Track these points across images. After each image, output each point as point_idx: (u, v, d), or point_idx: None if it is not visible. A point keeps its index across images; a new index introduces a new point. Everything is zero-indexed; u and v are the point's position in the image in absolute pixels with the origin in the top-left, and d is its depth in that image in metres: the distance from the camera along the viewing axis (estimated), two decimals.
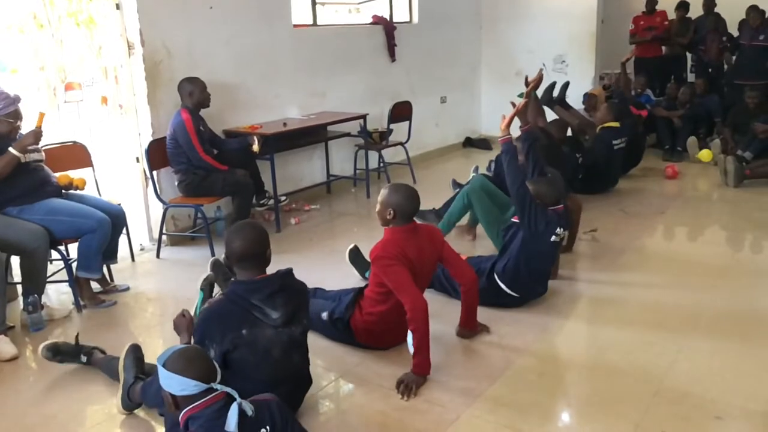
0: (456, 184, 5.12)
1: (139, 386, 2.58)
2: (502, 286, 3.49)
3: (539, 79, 4.54)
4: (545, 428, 2.59)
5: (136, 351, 2.75)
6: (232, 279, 3.20)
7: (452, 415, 2.61)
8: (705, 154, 6.60)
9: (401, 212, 2.95)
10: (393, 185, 3.06)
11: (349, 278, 3.77)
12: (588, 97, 6.86)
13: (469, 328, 3.26)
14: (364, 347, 3.13)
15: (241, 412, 1.80)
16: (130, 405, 2.66)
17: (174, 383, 1.82)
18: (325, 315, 3.14)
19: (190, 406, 1.82)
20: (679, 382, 2.79)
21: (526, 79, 4.62)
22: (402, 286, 2.82)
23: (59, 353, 2.99)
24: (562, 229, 3.46)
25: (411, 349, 2.80)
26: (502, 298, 3.51)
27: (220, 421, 1.79)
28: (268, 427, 1.85)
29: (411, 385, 2.78)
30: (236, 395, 1.83)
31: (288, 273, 2.52)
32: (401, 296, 2.82)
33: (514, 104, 3.64)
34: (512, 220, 3.53)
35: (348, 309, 3.10)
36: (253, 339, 2.36)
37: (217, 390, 1.85)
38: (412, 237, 2.97)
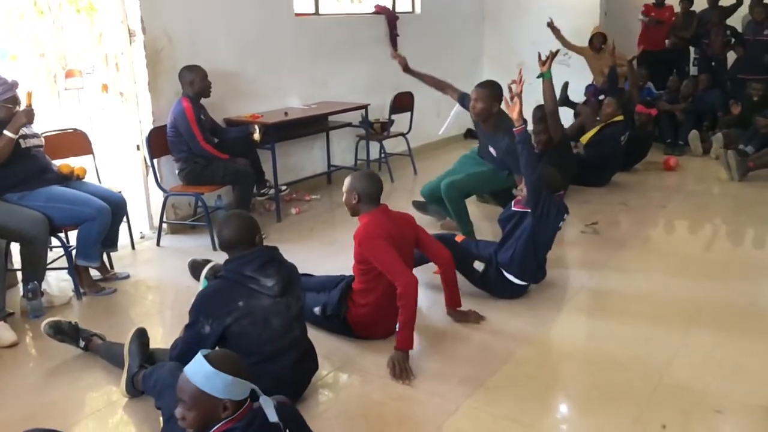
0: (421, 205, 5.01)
1: (141, 375, 2.58)
2: (510, 276, 3.49)
3: (552, 59, 4.51)
4: (544, 420, 2.59)
5: (141, 336, 2.75)
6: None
7: (451, 406, 2.61)
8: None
9: (365, 194, 3.01)
10: (353, 173, 3.16)
11: (348, 269, 3.76)
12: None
13: (455, 306, 3.32)
14: (361, 338, 3.13)
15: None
16: (133, 391, 2.67)
17: (238, 388, 1.72)
18: (317, 310, 3.15)
19: (233, 416, 1.73)
20: (679, 376, 2.79)
21: (539, 55, 4.56)
22: (391, 264, 2.89)
23: (60, 332, 3.00)
24: (566, 215, 3.52)
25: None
26: (507, 288, 3.52)
27: (250, 430, 1.74)
28: (288, 430, 1.83)
29: (398, 363, 2.83)
30: (259, 391, 1.78)
31: (275, 248, 2.59)
32: (392, 274, 2.88)
33: (511, 89, 3.56)
34: (513, 209, 3.50)
35: (341, 304, 3.11)
36: (251, 310, 2.42)
37: (249, 399, 1.79)
38: (386, 218, 3.03)
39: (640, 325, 3.27)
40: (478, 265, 3.50)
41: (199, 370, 1.72)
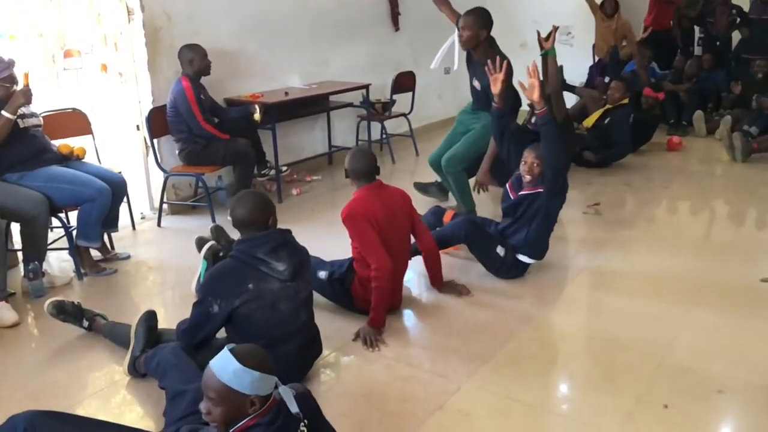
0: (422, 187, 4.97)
1: (143, 359, 2.58)
2: (522, 258, 3.50)
3: (554, 34, 4.44)
4: (546, 400, 2.60)
5: (149, 320, 2.74)
6: (221, 253, 3.26)
7: (454, 386, 2.61)
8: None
9: (353, 171, 3.07)
10: (350, 151, 3.21)
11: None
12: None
13: (437, 285, 3.42)
14: (361, 312, 3.13)
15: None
16: (135, 374, 2.67)
17: (266, 384, 1.70)
18: (323, 274, 3.18)
19: (258, 412, 1.70)
20: (681, 356, 2.79)
21: (539, 34, 4.49)
22: (367, 245, 2.94)
23: (63, 312, 2.99)
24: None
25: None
26: (516, 269, 3.53)
27: (276, 425, 1.72)
28: (306, 421, 1.81)
29: (368, 336, 2.92)
30: (278, 382, 1.77)
31: (288, 231, 2.57)
32: (367, 255, 2.94)
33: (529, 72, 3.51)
34: (523, 193, 3.45)
35: (348, 272, 3.16)
36: (260, 293, 2.40)
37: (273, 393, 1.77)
38: (377, 195, 3.06)
39: (642, 305, 3.26)
40: (500, 250, 3.49)
41: (226, 367, 1.67)
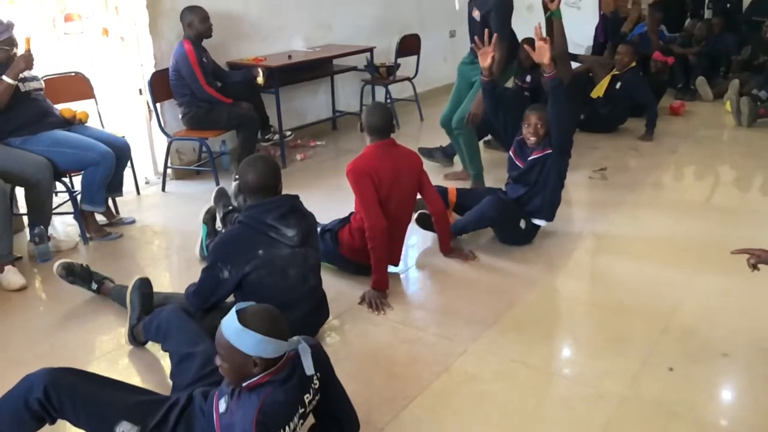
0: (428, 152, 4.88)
1: (141, 326, 2.55)
2: (538, 222, 3.49)
3: None
4: (551, 363, 2.61)
5: (142, 286, 2.70)
6: (230, 208, 3.24)
7: (460, 348, 2.63)
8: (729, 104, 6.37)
9: (367, 125, 3.05)
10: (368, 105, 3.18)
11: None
12: None
13: (445, 251, 3.40)
14: (345, 267, 3.21)
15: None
16: (135, 343, 2.65)
17: (270, 347, 1.70)
18: (317, 228, 3.17)
19: (271, 370, 1.72)
20: (686, 320, 2.80)
21: None
22: (365, 202, 2.95)
23: (72, 274, 3.01)
24: None
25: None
26: (530, 236, 3.51)
27: (291, 383, 1.74)
28: (317, 375, 1.83)
29: (373, 299, 2.94)
30: (299, 339, 1.78)
31: (296, 196, 2.55)
32: (363, 212, 2.96)
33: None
34: (532, 158, 3.39)
35: (340, 222, 3.23)
36: (270, 259, 2.40)
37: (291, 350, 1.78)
38: (386, 153, 3.04)
39: (648, 269, 3.26)
40: (522, 223, 3.48)
41: (230, 325, 1.69)
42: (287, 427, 1.70)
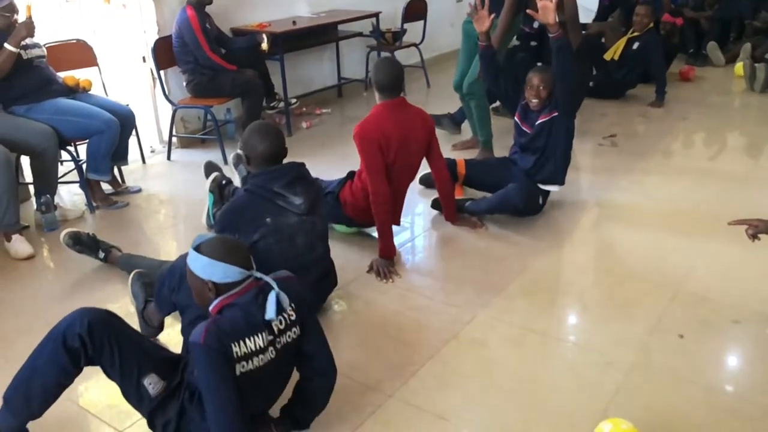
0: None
1: (151, 306, 2.50)
2: (551, 188, 3.43)
3: None
4: (559, 330, 2.60)
5: (140, 277, 2.63)
6: (224, 182, 3.26)
7: (468, 316, 2.62)
8: (740, 69, 6.24)
9: (377, 82, 2.98)
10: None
11: None
12: None
13: (451, 219, 3.36)
14: (348, 223, 3.22)
15: (278, 302, 1.80)
16: (151, 331, 2.52)
17: (218, 270, 1.76)
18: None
19: (229, 294, 1.78)
20: (697, 287, 2.78)
21: None
22: (370, 168, 2.91)
23: (79, 243, 3.00)
24: None
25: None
26: (543, 204, 3.46)
27: (255, 306, 1.78)
28: (292, 306, 1.86)
29: (381, 267, 2.93)
30: (274, 285, 1.80)
31: (302, 164, 2.52)
32: (368, 178, 2.92)
33: None
34: (540, 122, 3.32)
35: (339, 184, 3.20)
36: (278, 227, 2.38)
37: (253, 277, 1.82)
38: (395, 113, 2.98)
39: (658, 237, 3.24)
40: (541, 200, 3.44)
41: (189, 252, 1.82)
42: (242, 343, 1.71)
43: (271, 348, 1.78)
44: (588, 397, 2.16)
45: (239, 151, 3.36)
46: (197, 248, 1.79)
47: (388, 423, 2.08)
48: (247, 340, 1.72)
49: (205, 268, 1.77)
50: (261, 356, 1.75)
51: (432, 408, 2.13)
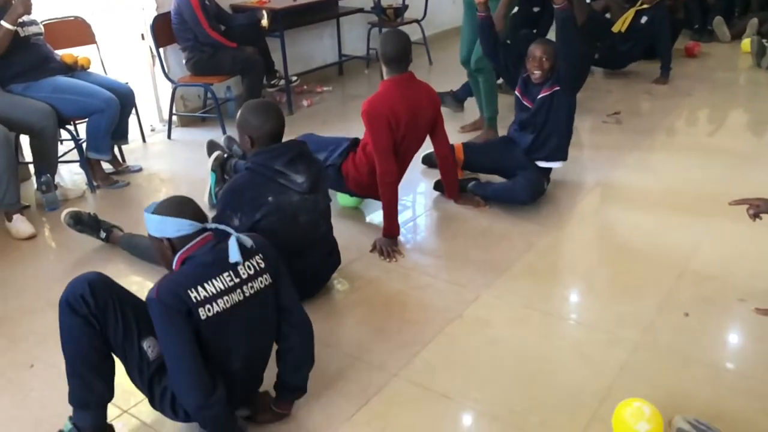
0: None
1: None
2: (554, 164, 3.38)
3: None
4: (565, 309, 2.60)
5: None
6: (226, 156, 3.21)
7: (472, 295, 2.61)
8: (747, 45, 6.15)
9: (385, 57, 2.92)
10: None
11: None
12: None
13: (453, 197, 3.35)
14: (355, 193, 3.21)
15: (241, 245, 1.82)
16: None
17: (168, 226, 1.81)
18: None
19: (186, 248, 1.81)
20: (703, 266, 2.76)
21: None
22: (379, 147, 2.87)
23: (81, 222, 2.99)
24: None
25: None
26: (547, 181, 3.42)
27: (215, 253, 1.81)
28: (260, 255, 1.87)
29: (384, 247, 2.91)
30: (232, 231, 1.83)
31: (303, 142, 2.50)
32: (376, 157, 2.89)
33: None
34: (542, 94, 3.25)
35: (341, 156, 3.15)
36: (280, 206, 2.36)
37: (210, 230, 1.85)
38: (404, 90, 2.94)
39: (663, 215, 3.21)
40: (546, 185, 3.40)
41: (144, 214, 1.88)
42: (200, 288, 1.72)
43: (238, 290, 1.80)
44: (593, 375, 2.15)
45: (229, 135, 3.34)
46: (149, 210, 1.85)
47: (393, 402, 2.08)
48: (206, 284, 1.74)
49: (158, 226, 1.83)
50: (227, 297, 1.76)
51: (437, 387, 2.13)
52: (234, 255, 1.78)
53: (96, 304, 1.78)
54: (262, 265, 1.87)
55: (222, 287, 1.76)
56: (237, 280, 1.80)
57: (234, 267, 1.80)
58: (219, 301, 1.75)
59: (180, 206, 1.86)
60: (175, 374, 1.75)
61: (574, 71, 3.21)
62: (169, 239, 1.83)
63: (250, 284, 1.83)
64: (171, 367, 1.75)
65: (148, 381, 1.85)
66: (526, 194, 3.23)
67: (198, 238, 1.83)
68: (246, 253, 1.83)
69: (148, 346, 1.83)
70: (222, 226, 1.86)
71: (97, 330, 1.79)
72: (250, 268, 1.84)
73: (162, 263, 1.92)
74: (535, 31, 4.95)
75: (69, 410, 1.87)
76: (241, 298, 1.80)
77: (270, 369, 2.01)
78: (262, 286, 1.85)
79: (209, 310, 1.73)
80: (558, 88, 3.20)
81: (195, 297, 1.71)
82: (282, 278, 1.93)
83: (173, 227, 1.82)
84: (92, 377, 1.82)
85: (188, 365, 1.72)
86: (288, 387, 2.00)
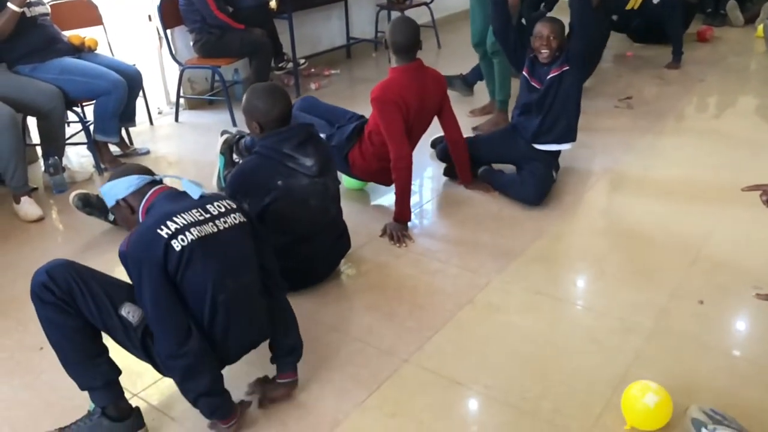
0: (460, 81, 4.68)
1: None
2: (563, 147, 3.31)
3: None
4: (576, 294, 2.57)
5: None
6: (237, 136, 3.20)
7: (483, 280, 2.59)
8: (761, 30, 6.05)
9: (394, 45, 2.90)
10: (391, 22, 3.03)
11: None
12: None
13: (465, 181, 3.33)
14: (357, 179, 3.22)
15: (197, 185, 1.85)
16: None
17: (118, 187, 1.85)
18: (322, 136, 3.07)
19: (145, 198, 1.83)
20: (716, 253, 2.73)
21: None
22: (391, 133, 2.85)
23: (89, 204, 2.98)
24: None
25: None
26: (556, 170, 3.37)
27: (173, 197, 1.83)
28: (228, 201, 1.90)
29: (395, 232, 2.90)
30: (180, 177, 1.87)
31: (311, 125, 2.47)
32: (389, 142, 2.87)
33: None
34: (552, 75, 3.15)
35: (349, 141, 3.11)
36: (290, 189, 2.34)
37: (161, 182, 1.89)
38: (413, 77, 2.91)
39: (676, 201, 3.18)
40: (555, 175, 3.35)
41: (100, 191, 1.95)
42: (170, 223, 1.72)
43: (210, 224, 1.79)
44: (607, 362, 2.13)
45: (231, 131, 3.30)
46: (102, 188, 1.91)
47: (404, 387, 2.06)
48: (175, 218, 1.74)
49: (111, 192, 1.88)
50: (199, 228, 1.75)
51: (448, 373, 2.11)
52: (194, 191, 1.82)
53: (58, 287, 1.76)
54: (233, 205, 1.88)
55: (192, 220, 1.76)
56: (207, 215, 1.80)
57: (201, 204, 1.81)
58: (192, 230, 1.73)
59: (124, 169, 1.94)
60: (151, 324, 1.76)
61: (586, 48, 3.16)
62: (125, 200, 1.86)
63: (222, 219, 1.82)
64: (148, 318, 1.76)
65: (141, 346, 1.82)
66: (533, 196, 3.15)
67: (153, 189, 1.86)
68: (212, 196, 1.87)
69: (127, 312, 1.80)
70: (170, 175, 1.89)
71: (73, 313, 1.77)
72: (219, 207, 1.84)
73: (128, 228, 1.90)
74: (544, 6, 4.91)
75: (79, 394, 1.86)
76: (215, 230, 1.79)
77: (267, 368, 2.00)
78: (236, 221, 1.85)
79: (182, 240, 1.71)
80: (567, 67, 3.14)
81: (166, 232, 1.70)
82: (262, 238, 1.94)
83: (123, 186, 1.86)
84: (87, 360, 1.80)
85: (161, 313, 1.72)
86: (284, 348, 1.98)
